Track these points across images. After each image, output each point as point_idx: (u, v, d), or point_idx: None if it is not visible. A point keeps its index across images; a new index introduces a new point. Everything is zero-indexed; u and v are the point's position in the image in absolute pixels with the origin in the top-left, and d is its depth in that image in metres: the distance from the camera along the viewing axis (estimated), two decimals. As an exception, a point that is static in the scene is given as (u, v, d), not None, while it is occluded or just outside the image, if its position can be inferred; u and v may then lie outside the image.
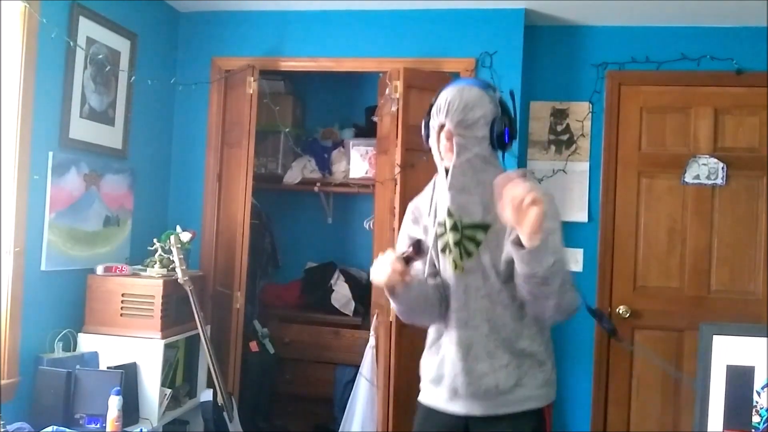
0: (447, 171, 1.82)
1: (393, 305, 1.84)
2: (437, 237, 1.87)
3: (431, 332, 1.94)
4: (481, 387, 1.79)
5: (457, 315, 1.82)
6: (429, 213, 1.92)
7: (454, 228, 1.80)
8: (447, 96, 1.79)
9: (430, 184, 1.97)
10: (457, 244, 1.80)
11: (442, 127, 1.80)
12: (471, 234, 1.79)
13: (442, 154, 1.82)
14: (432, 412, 1.91)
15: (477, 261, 1.79)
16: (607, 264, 3.46)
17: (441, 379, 1.87)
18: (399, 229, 3.09)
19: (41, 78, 2.65)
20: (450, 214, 1.81)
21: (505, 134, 1.81)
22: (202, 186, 3.57)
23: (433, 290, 1.86)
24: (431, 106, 1.85)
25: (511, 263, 1.72)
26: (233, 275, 3.38)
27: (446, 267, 1.85)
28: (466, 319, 1.81)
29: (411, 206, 2.00)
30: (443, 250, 1.86)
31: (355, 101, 4.21)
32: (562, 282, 1.65)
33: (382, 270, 1.68)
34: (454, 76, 3.33)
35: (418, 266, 1.88)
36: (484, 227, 1.79)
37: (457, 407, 1.85)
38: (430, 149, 1.89)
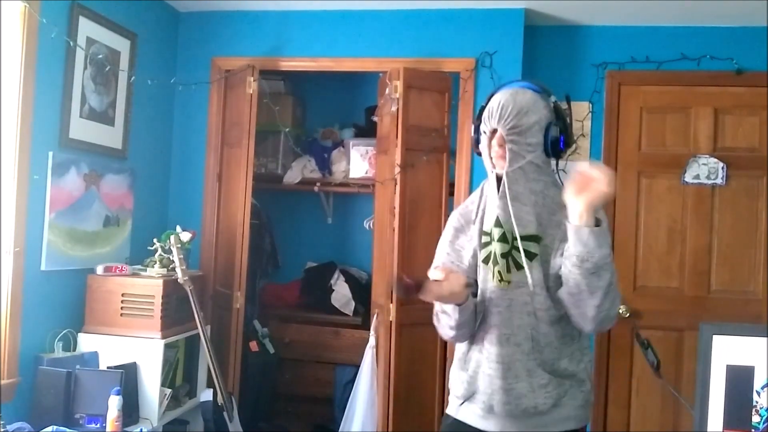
0: (498, 179, 1.73)
1: (449, 319, 1.72)
2: (481, 247, 1.78)
3: (461, 345, 1.85)
4: (519, 407, 1.72)
5: (499, 331, 1.73)
6: (476, 221, 1.82)
7: (503, 239, 1.71)
8: (500, 99, 1.71)
9: (478, 189, 1.87)
10: (505, 255, 1.71)
11: (494, 132, 1.72)
12: (523, 246, 1.70)
13: (494, 160, 1.73)
14: (461, 426, 1.83)
15: (525, 275, 1.70)
16: (607, 264, 3.45)
17: (474, 395, 1.79)
18: (400, 228, 3.11)
19: (41, 78, 2.65)
20: (499, 223, 1.71)
21: (560, 141, 1.71)
22: (202, 186, 3.57)
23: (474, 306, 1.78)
24: (482, 109, 1.77)
25: (559, 277, 1.68)
26: (233, 275, 3.38)
27: (487, 279, 1.76)
28: (509, 335, 1.72)
29: (456, 213, 1.90)
30: (485, 261, 1.77)
31: (355, 101, 4.21)
32: (610, 282, 1.61)
33: (449, 289, 1.59)
34: (454, 77, 3.34)
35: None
36: (537, 239, 1.70)
37: (491, 425, 1.78)
38: (480, 154, 1.80)
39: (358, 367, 3.31)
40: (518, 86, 1.76)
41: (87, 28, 2.88)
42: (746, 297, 3.36)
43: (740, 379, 1.38)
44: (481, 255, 1.78)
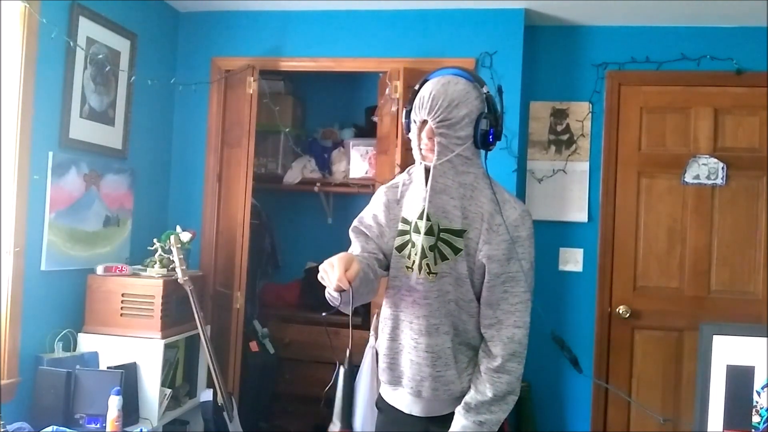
0: (426, 170, 1.72)
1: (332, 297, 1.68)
2: (398, 234, 1.78)
3: (386, 329, 1.84)
4: (447, 392, 1.76)
5: (428, 321, 1.74)
6: (398, 203, 1.81)
7: (430, 232, 1.71)
8: (432, 90, 1.67)
9: (404, 173, 1.86)
10: (432, 248, 1.71)
11: (424, 122, 1.70)
12: (448, 239, 1.71)
13: (423, 151, 1.72)
14: (393, 411, 1.88)
15: (450, 267, 1.72)
16: (607, 264, 3.46)
17: (400, 380, 1.82)
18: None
19: (41, 78, 2.65)
20: (427, 217, 1.70)
21: (489, 134, 1.69)
22: (202, 186, 3.57)
23: (373, 273, 1.73)
24: (414, 94, 1.73)
25: (482, 272, 1.72)
26: (233, 275, 3.38)
27: (400, 267, 1.77)
28: (438, 325, 1.74)
29: (383, 190, 1.87)
30: (400, 249, 1.77)
31: (355, 101, 4.21)
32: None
33: (331, 277, 1.60)
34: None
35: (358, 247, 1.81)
36: (461, 233, 1.71)
37: (417, 409, 1.82)
38: (410, 141, 1.78)
39: (358, 367, 3.31)
40: (451, 74, 1.71)
41: (87, 28, 2.88)
42: (746, 297, 3.36)
43: (740, 379, 1.38)
44: (396, 242, 1.78)
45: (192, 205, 3.57)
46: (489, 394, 1.70)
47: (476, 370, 1.76)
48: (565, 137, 3.50)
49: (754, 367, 1.38)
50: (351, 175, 3.90)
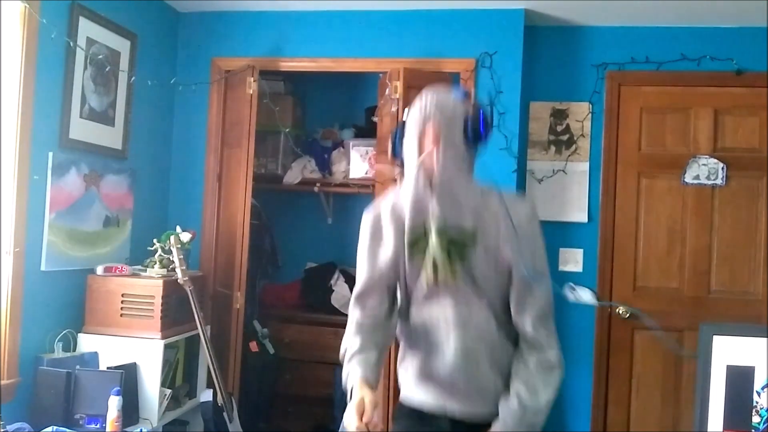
0: (428, 176, 1.70)
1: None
2: (409, 244, 1.73)
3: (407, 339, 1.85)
4: (479, 386, 1.74)
5: (465, 344, 1.72)
6: (390, 221, 1.78)
7: (442, 231, 1.68)
8: (426, 99, 1.71)
9: (389, 195, 1.85)
10: (447, 248, 1.69)
11: (422, 133, 1.69)
12: (460, 238, 1.69)
13: (426, 150, 1.68)
14: (415, 415, 1.81)
15: (467, 273, 1.70)
16: (607, 264, 3.46)
17: (431, 376, 1.78)
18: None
19: (41, 78, 2.65)
20: (435, 216, 1.68)
21: (480, 125, 1.68)
22: (202, 186, 3.57)
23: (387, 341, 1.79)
24: (403, 122, 1.75)
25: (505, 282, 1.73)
26: (233, 275, 3.38)
27: (421, 275, 1.73)
28: (466, 335, 1.72)
29: (368, 219, 1.83)
30: (412, 255, 1.73)
31: (355, 101, 4.22)
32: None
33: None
34: (455, 77, 3.34)
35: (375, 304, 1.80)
36: (472, 236, 1.69)
37: (451, 404, 1.76)
38: (401, 164, 1.77)
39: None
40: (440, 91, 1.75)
41: (87, 28, 2.88)
42: (746, 297, 3.36)
43: (740, 379, 1.38)
44: (409, 248, 1.73)
45: (192, 206, 3.57)
46: (542, 399, 1.73)
47: (519, 366, 1.75)
48: (565, 137, 3.50)
49: (754, 367, 1.38)
50: (351, 176, 3.90)
